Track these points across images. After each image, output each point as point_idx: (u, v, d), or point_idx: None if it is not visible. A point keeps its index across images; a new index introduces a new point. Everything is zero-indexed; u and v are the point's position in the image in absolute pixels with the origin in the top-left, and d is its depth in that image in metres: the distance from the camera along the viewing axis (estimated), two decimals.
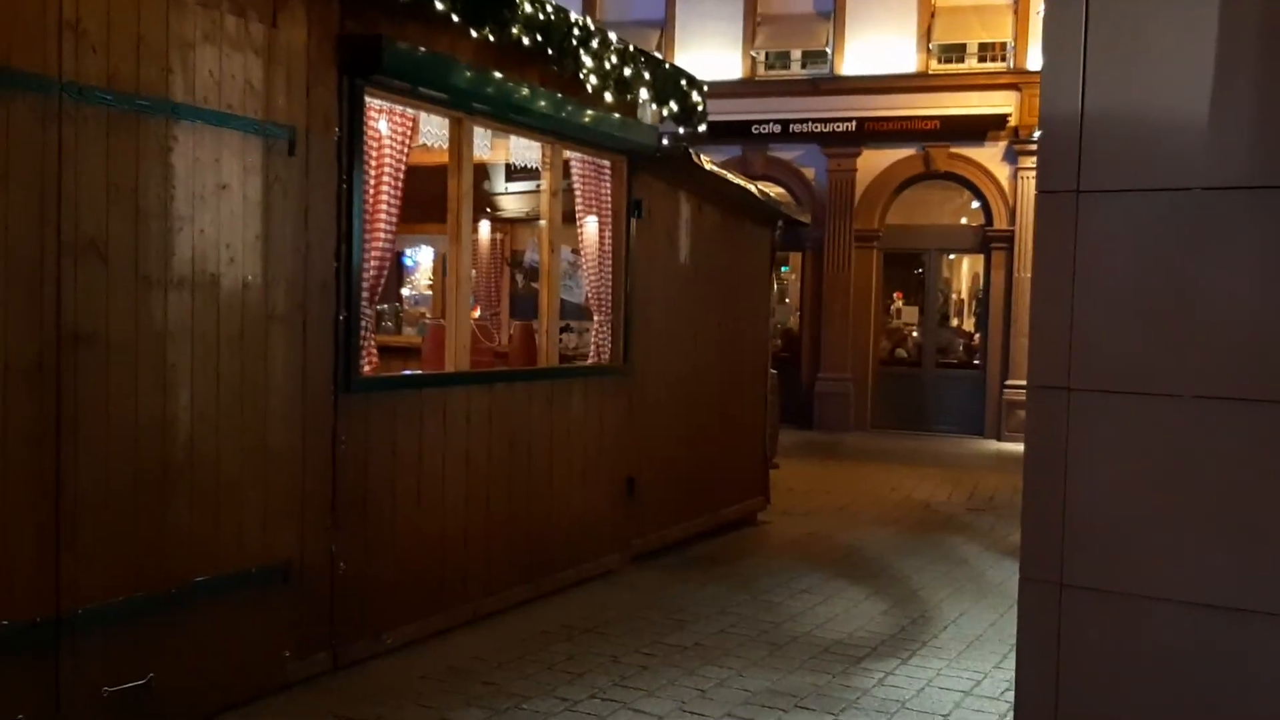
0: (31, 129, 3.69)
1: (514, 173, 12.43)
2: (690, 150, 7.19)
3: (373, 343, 5.33)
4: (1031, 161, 15.61)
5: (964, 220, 16.81)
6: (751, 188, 8.14)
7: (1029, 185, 15.61)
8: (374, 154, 5.26)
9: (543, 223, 6.58)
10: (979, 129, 15.83)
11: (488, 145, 6.41)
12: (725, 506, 8.51)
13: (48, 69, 3.71)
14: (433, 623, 5.45)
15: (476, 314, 10.59)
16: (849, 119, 16.28)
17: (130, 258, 4.02)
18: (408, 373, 6.24)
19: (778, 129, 16.61)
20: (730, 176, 7.82)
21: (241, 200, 4.45)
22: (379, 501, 5.16)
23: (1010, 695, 4.86)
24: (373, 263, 5.27)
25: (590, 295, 6.98)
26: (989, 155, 15.94)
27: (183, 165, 4.20)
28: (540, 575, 6.31)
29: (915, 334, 17.21)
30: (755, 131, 16.67)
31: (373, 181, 5.27)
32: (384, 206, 5.36)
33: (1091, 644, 2.56)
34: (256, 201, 4.51)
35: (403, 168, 5.49)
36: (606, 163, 6.92)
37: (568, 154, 6.64)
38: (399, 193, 5.47)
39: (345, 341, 4.94)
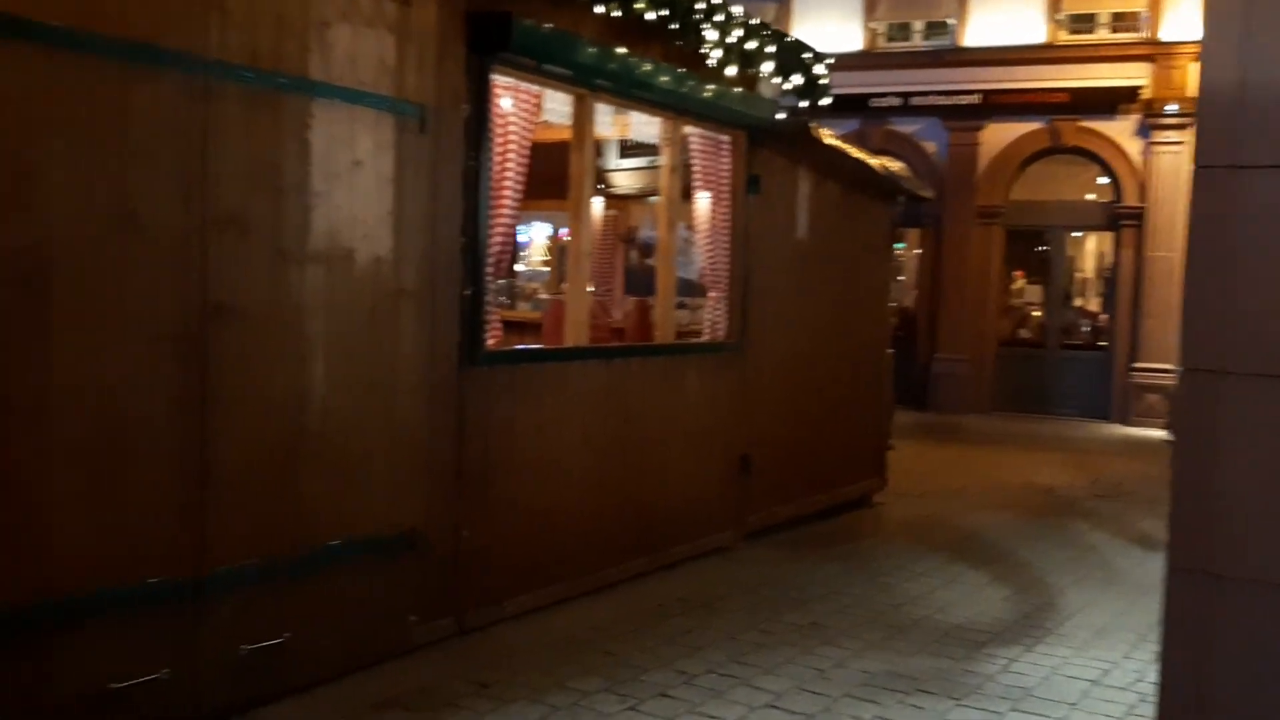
0: (179, 106, 3.83)
1: (627, 149, 12.44)
2: (810, 124, 7.09)
3: (496, 317, 5.41)
4: (1164, 135, 15.00)
5: (1092, 196, 16.22)
6: (871, 162, 8.00)
7: (1161, 160, 15.01)
8: (500, 131, 5.32)
9: (660, 199, 6.58)
10: (1109, 102, 15.23)
11: (609, 121, 6.44)
12: (840, 486, 8.43)
13: (194, 47, 3.85)
14: (551, 592, 5.54)
15: (591, 290, 10.65)
16: (972, 91, 15.84)
17: (269, 232, 4.16)
18: (529, 347, 6.31)
19: (897, 102, 16.26)
20: (850, 150, 7.70)
21: (374, 177, 4.55)
22: (500, 473, 5.25)
23: (1141, 685, 4.73)
24: (498, 238, 5.35)
25: (705, 271, 6.96)
26: (1120, 129, 15.34)
27: (319, 142, 4.32)
28: (654, 550, 6.35)
29: (1038, 314, 16.73)
30: (874, 105, 16.35)
31: (498, 158, 5.34)
32: (509, 183, 5.43)
33: (1241, 635, 2.46)
34: (388, 178, 4.61)
35: (528, 145, 5.54)
36: (725, 138, 6.87)
37: (686, 129, 6.62)
38: (524, 170, 5.53)
39: (471, 316, 5.03)
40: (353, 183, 4.46)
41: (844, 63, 14.86)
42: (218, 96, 3.94)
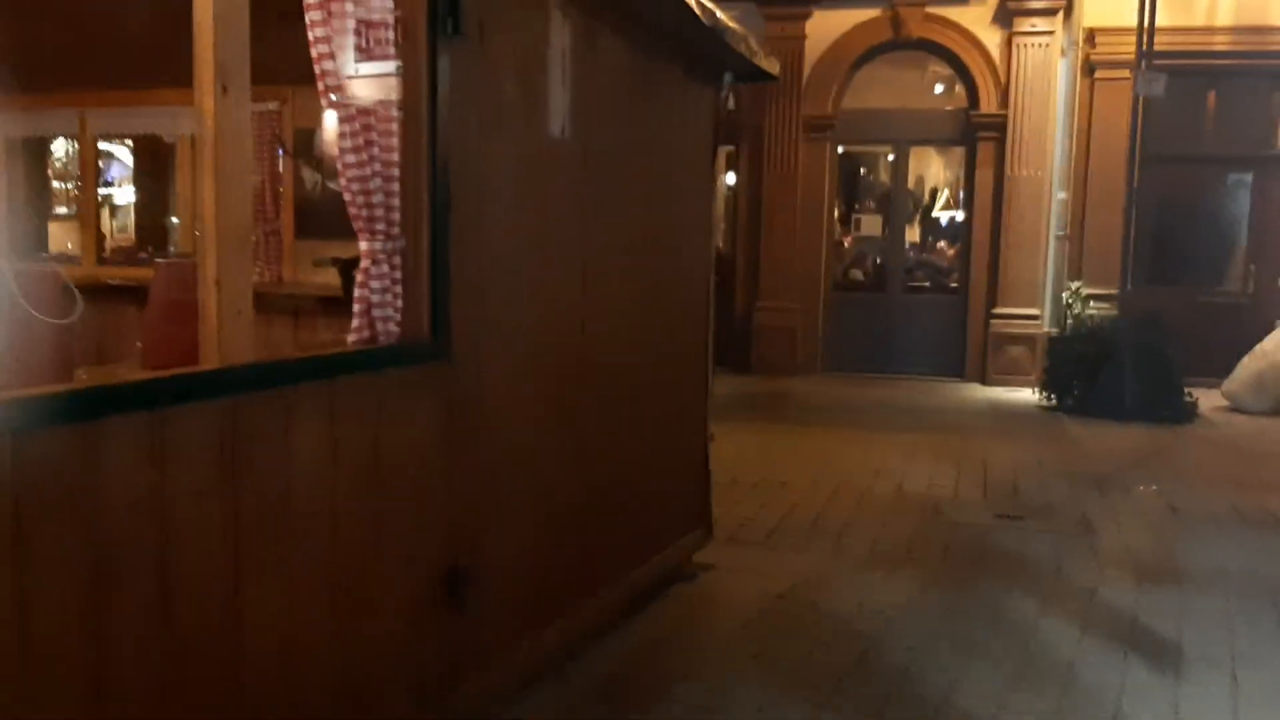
0: None
1: (365, 48, 8.65)
2: None
3: None
4: (1030, 24, 12.19)
5: (941, 103, 13.30)
6: (690, 1, 4.45)
7: (1027, 56, 12.18)
8: None
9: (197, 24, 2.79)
10: None
11: None
12: (641, 562, 4.99)
13: None
14: None
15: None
16: None
17: None
18: None
19: None
20: None
21: None
22: None
23: None
24: None
25: (351, 202, 3.26)
26: (975, 17, 12.41)
27: None
28: None
29: (877, 250, 13.81)
30: None
31: None
32: None
33: None
34: None
35: None
36: None
37: None
38: None
39: None
40: None
41: None
42: None
